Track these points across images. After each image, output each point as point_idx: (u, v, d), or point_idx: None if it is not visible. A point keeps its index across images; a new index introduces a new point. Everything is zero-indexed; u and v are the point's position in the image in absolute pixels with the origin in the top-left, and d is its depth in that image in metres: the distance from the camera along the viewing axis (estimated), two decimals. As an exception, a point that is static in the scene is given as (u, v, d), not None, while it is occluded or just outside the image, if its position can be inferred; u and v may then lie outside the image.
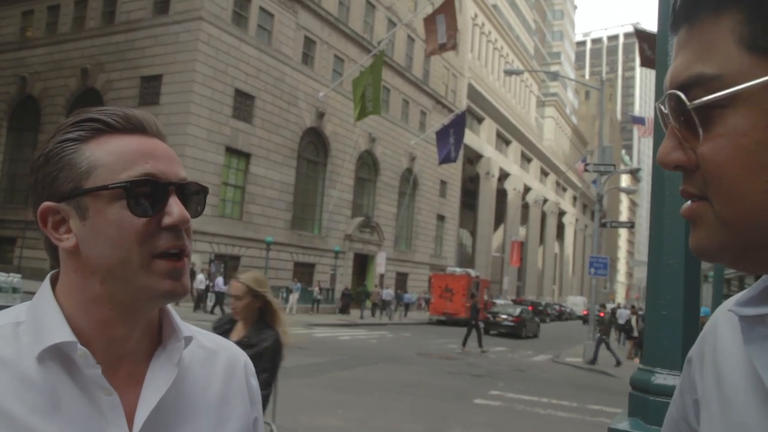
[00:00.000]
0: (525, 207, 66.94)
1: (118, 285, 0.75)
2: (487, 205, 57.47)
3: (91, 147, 0.76)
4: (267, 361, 3.13)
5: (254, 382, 0.92)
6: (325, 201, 34.60)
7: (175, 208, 0.76)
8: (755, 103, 0.51)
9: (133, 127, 0.78)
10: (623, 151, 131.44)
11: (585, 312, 20.43)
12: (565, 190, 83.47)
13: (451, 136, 31.81)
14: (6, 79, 34.11)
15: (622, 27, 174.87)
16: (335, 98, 34.50)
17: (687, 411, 0.71)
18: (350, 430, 7.72)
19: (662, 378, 2.16)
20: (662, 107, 0.58)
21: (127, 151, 0.76)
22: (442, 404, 9.87)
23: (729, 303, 0.64)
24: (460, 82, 50.35)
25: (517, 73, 26.17)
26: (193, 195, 0.81)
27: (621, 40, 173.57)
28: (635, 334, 20.78)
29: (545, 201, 73.72)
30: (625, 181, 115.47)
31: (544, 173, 75.43)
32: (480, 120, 56.37)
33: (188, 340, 0.82)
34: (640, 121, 28.89)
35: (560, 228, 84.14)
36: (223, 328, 3.33)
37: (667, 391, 2.11)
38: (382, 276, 35.50)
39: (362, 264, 38.34)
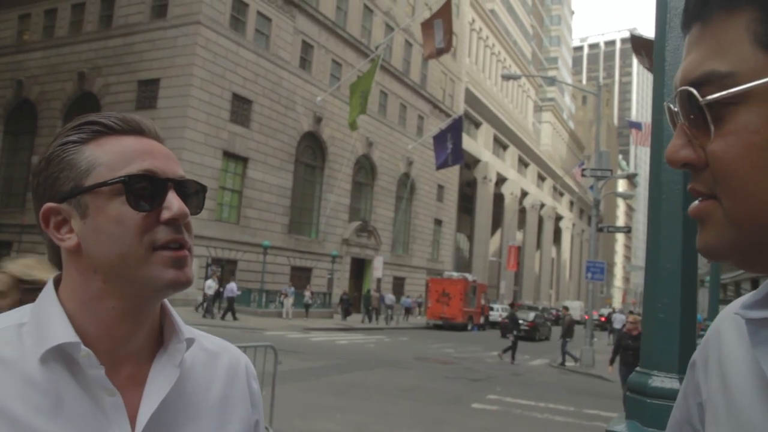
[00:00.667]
0: (522, 211, 67.05)
1: (120, 281, 0.75)
2: (485, 210, 57.53)
3: (90, 148, 0.77)
4: None
5: (255, 385, 0.93)
6: (322, 205, 34.59)
7: (174, 202, 0.77)
8: (767, 101, 0.51)
9: (131, 129, 0.80)
10: (620, 156, 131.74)
11: (587, 317, 20.55)
12: (562, 194, 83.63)
13: (448, 141, 31.79)
14: (2, 83, 34.03)
15: (619, 32, 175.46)
16: (333, 103, 34.53)
17: (691, 414, 0.71)
18: (347, 434, 7.71)
19: (659, 381, 2.17)
20: (671, 105, 0.58)
21: (126, 150, 0.77)
22: (440, 408, 9.87)
23: (734, 306, 0.65)
24: (458, 87, 50.45)
25: (515, 77, 26.28)
26: (192, 194, 0.82)
27: (618, 45, 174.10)
28: None
29: (542, 206, 73.78)
30: (622, 186, 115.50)
31: (542, 178, 75.56)
32: (477, 125, 56.48)
33: (190, 341, 0.82)
34: (636, 126, 28.95)
35: (557, 233, 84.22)
36: None
37: (664, 394, 2.12)
38: (379, 280, 35.45)
39: (359, 268, 38.30)
